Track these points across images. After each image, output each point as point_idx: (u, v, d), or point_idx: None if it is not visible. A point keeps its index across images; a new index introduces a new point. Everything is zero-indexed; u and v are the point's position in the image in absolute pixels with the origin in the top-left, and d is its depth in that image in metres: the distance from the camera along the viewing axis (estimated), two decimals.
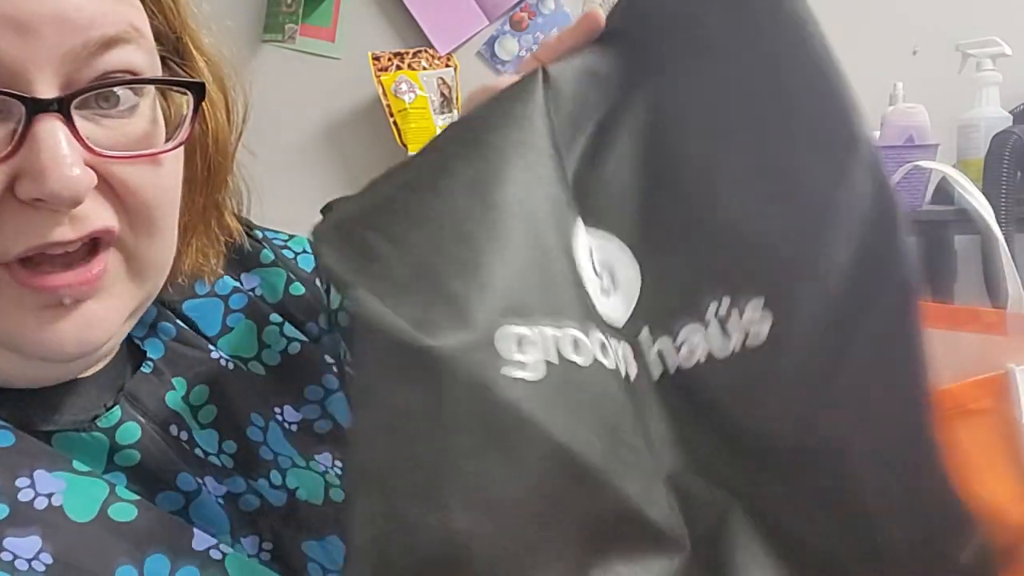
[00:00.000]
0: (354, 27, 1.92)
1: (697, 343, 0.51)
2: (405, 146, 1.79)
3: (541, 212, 0.49)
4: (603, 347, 0.49)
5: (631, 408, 0.49)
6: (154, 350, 0.53)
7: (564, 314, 0.48)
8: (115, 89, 0.42)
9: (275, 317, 0.60)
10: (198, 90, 0.45)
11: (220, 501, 0.50)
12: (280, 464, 0.54)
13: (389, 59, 1.84)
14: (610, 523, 0.46)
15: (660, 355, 0.52)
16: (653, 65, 0.56)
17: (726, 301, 0.51)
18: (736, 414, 0.51)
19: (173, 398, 0.51)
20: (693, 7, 0.55)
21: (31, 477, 0.41)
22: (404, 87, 1.80)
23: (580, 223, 0.52)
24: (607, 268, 0.53)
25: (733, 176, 0.53)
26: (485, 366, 0.44)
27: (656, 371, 0.52)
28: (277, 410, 0.58)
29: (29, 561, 0.40)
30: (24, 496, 0.41)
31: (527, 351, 0.45)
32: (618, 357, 0.50)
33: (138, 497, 0.44)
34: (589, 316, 0.49)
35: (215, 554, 0.44)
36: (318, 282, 0.63)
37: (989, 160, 1.64)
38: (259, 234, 0.64)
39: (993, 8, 2.05)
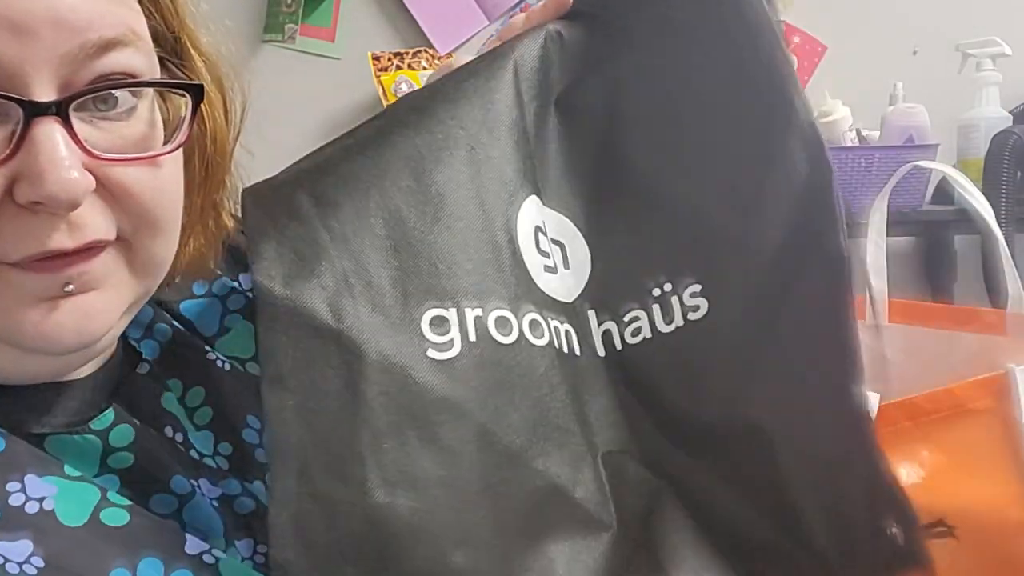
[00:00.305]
0: (354, 27, 1.91)
1: (641, 324, 0.52)
2: None
3: (483, 192, 0.49)
4: (534, 324, 0.49)
5: (564, 386, 0.49)
6: (150, 351, 0.53)
7: (491, 293, 0.47)
8: (113, 91, 0.41)
9: None
10: (196, 92, 0.45)
11: (215, 504, 0.50)
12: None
13: (389, 59, 1.84)
14: (537, 504, 0.46)
15: (607, 334, 0.53)
16: (620, 41, 0.55)
17: (667, 286, 0.52)
18: (673, 394, 0.52)
19: (168, 399, 0.51)
20: None
21: (22, 482, 0.41)
22: (404, 87, 1.80)
23: (533, 200, 0.52)
24: (560, 245, 0.54)
25: (679, 159, 0.54)
26: (400, 347, 0.44)
27: (601, 348, 0.53)
28: None
29: (20, 564, 0.39)
30: (15, 500, 0.40)
31: (445, 331, 0.45)
32: (557, 334, 0.50)
33: (130, 502, 0.44)
34: (522, 295, 0.49)
35: (208, 559, 0.44)
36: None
37: (989, 160, 1.64)
38: None
39: (993, 8, 2.05)
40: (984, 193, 1.60)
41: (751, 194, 0.52)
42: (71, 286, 0.41)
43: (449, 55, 1.91)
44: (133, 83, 0.42)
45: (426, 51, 1.88)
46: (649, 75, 0.55)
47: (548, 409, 0.48)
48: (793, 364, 0.50)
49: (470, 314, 0.46)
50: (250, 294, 0.59)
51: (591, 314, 0.53)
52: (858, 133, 1.86)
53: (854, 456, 0.50)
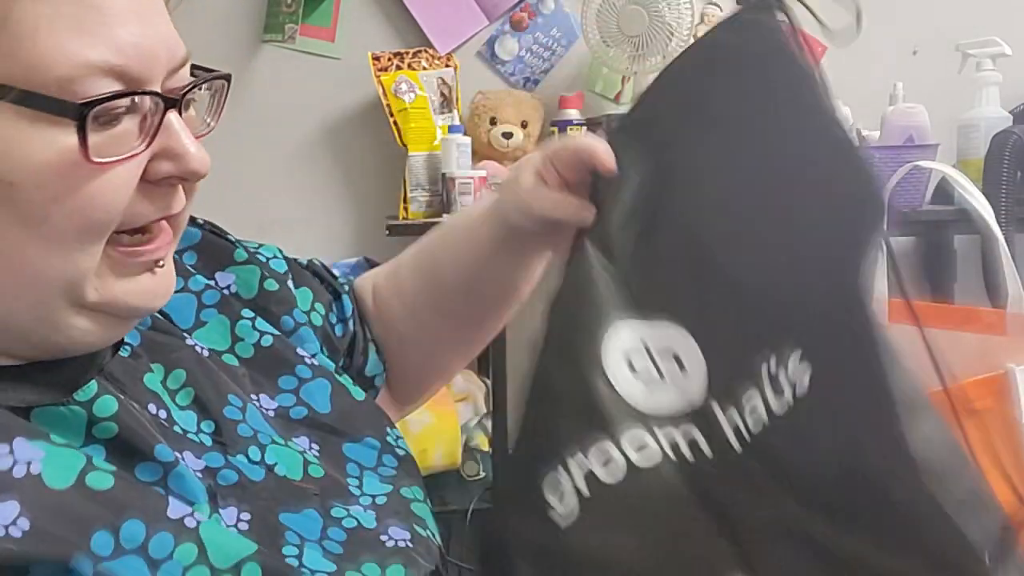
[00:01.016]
0: (354, 27, 1.91)
1: (757, 405, 0.53)
2: (405, 146, 1.79)
3: (573, 333, 0.54)
4: (641, 447, 0.51)
5: (690, 496, 0.51)
6: (131, 337, 0.56)
7: (590, 435, 0.51)
8: (199, 87, 0.53)
9: (247, 312, 0.63)
10: (228, 79, 0.55)
11: (198, 475, 0.52)
12: (260, 440, 0.56)
13: (389, 59, 1.84)
14: None
15: (736, 429, 0.53)
16: (665, 140, 0.59)
17: (773, 359, 0.53)
18: (800, 468, 0.52)
19: (151, 379, 0.54)
20: (694, 87, 0.58)
21: (10, 444, 0.43)
22: (404, 87, 1.80)
23: (624, 324, 0.55)
24: (670, 354, 0.55)
25: (759, 243, 0.56)
26: (533, 518, 0.50)
27: (736, 443, 0.53)
28: (254, 396, 0.60)
29: (6, 527, 0.41)
30: (3, 464, 0.43)
31: (559, 493, 0.50)
32: (671, 446, 0.52)
33: (115, 468, 0.47)
34: (621, 420, 0.52)
35: (190, 522, 0.47)
36: (290, 283, 0.67)
37: (989, 160, 1.63)
38: (231, 237, 0.67)
39: (993, 8, 2.05)
40: (984, 193, 1.60)
41: (835, 270, 0.54)
42: (163, 262, 0.51)
43: (449, 55, 1.91)
44: (208, 79, 0.53)
45: (426, 51, 1.88)
46: (713, 164, 0.58)
47: (676, 529, 0.51)
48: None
49: (575, 464, 0.50)
50: (225, 291, 0.64)
51: (717, 410, 0.54)
52: (858, 133, 1.86)
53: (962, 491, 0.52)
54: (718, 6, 2.01)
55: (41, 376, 0.49)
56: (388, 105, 1.80)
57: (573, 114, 1.86)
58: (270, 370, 0.62)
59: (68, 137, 0.44)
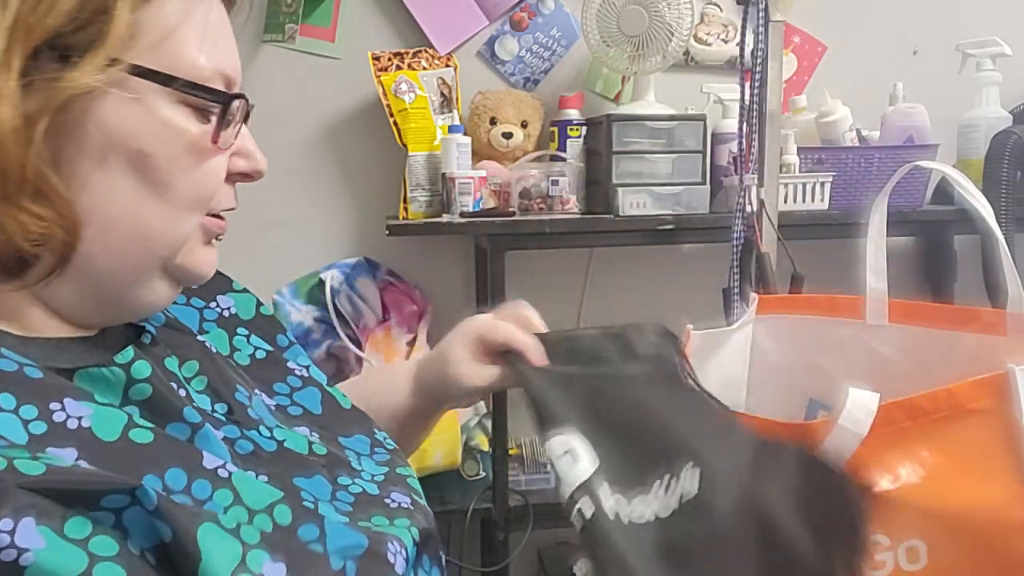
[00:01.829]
0: (354, 27, 1.91)
1: (645, 510, 0.67)
2: (405, 146, 1.79)
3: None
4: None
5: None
6: (149, 328, 0.62)
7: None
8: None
9: (242, 331, 0.71)
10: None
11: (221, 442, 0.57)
12: (267, 423, 0.62)
13: (389, 59, 1.84)
14: None
15: (615, 510, 0.67)
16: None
17: (667, 477, 0.68)
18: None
19: (171, 363, 0.60)
20: None
21: (62, 402, 0.49)
22: (404, 87, 1.80)
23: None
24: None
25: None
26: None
27: (611, 515, 0.67)
28: (256, 392, 0.66)
29: (75, 463, 0.46)
30: (58, 418, 0.48)
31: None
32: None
33: (152, 425, 0.52)
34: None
35: (223, 472, 0.52)
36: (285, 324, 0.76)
37: (989, 160, 1.63)
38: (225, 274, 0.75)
39: (993, 8, 2.05)
40: (984, 193, 1.60)
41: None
42: (221, 237, 0.60)
43: (449, 55, 1.91)
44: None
45: (426, 51, 1.88)
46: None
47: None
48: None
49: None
50: (224, 312, 0.71)
51: (604, 487, 0.69)
52: (858, 133, 1.86)
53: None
54: (718, 6, 2.01)
55: (84, 344, 0.57)
56: (388, 105, 1.80)
57: (573, 114, 1.86)
58: (264, 378, 0.69)
59: (201, 123, 0.56)
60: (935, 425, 0.83)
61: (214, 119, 0.56)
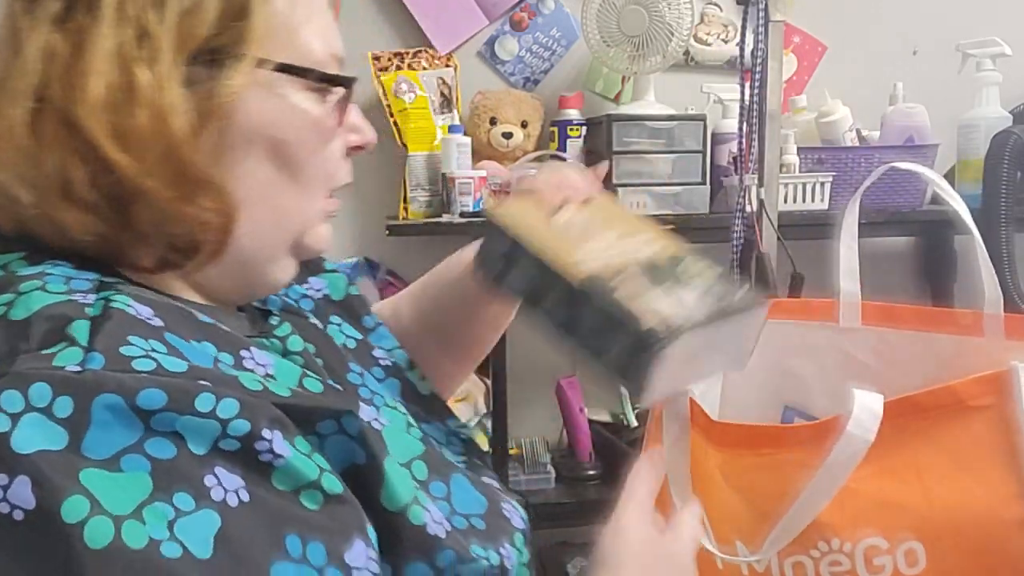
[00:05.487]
0: (354, 27, 1.91)
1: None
2: (405, 146, 1.79)
3: None
4: None
5: None
6: (273, 307, 0.68)
7: None
8: None
9: (335, 318, 0.74)
10: None
11: None
12: (375, 403, 0.65)
13: (389, 59, 1.84)
14: None
15: None
16: None
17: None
18: None
19: (295, 343, 0.64)
20: None
21: (250, 351, 0.54)
22: (404, 87, 1.80)
23: None
24: None
25: None
26: None
27: None
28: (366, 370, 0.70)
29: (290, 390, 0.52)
30: (248, 364, 0.53)
31: None
32: None
33: (319, 378, 0.56)
34: None
35: (376, 425, 0.57)
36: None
37: (989, 160, 1.63)
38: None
39: (993, 8, 2.05)
40: (984, 193, 1.60)
41: None
42: (335, 215, 0.64)
43: (449, 55, 1.91)
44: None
45: (426, 51, 1.88)
46: None
47: None
48: None
49: None
50: (318, 295, 0.75)
51: None
52: (858, 133, 1.86)
53: None
54: (718, 6, 2.02)
55: (243, 319, 0.63)
56: (388, 105, 1.80)
57: (573, 114, 1.86)
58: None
59: (324, 105, 0.59)
60: (935, 423, 0.83)
61: (331, 99, 0.59)
